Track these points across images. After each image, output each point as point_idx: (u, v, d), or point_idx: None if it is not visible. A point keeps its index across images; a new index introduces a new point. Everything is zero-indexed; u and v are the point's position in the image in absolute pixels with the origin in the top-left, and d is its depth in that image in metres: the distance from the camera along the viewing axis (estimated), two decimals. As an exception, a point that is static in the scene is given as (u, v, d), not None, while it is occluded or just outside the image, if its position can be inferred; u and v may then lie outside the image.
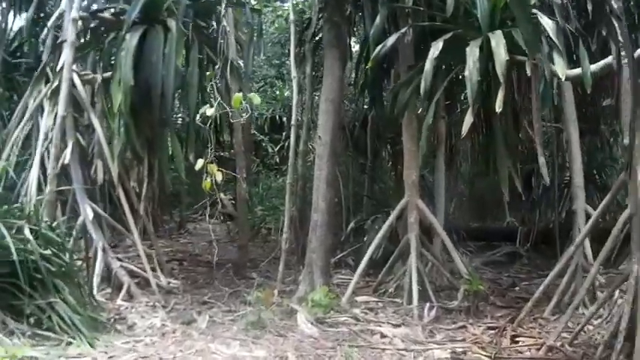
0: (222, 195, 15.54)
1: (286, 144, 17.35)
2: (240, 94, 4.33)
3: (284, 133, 17.42)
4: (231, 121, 6.96)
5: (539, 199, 9.42)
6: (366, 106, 9.90)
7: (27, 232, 4.70)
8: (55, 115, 5.96)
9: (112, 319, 5.16)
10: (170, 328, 5.09)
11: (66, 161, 6.08)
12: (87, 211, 6.06)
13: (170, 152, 6.87)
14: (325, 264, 6.13)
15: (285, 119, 17.30)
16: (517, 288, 7.11)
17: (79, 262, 6.72)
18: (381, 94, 8.49)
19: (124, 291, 5.88)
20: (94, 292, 5.69)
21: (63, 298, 4.58)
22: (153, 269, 6.52)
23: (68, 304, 4.56)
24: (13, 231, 4.67)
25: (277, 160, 17.02)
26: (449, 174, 8.62)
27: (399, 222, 6.54)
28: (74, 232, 6.17)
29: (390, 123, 9.38)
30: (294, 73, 7.23)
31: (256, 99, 4.19)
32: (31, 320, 4.49)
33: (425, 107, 5.68)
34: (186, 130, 7.05)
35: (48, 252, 4.66)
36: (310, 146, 9.92)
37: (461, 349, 4.73)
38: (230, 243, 10.86)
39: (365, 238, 7.91)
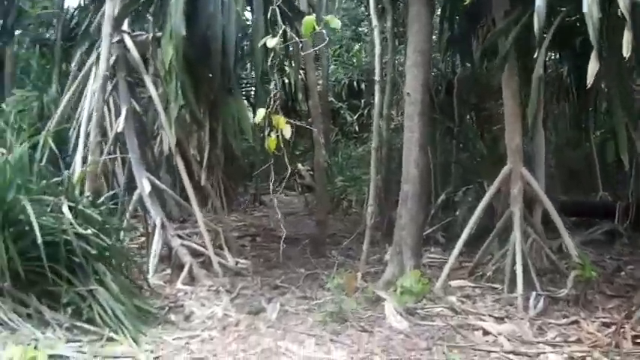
0: (300, 165, 15.05)
1: (365, 111, 16.46)
2: (313, 16, 3.31)
3: (362, 100, 16.46)
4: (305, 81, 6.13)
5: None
6: (448, 69, 8.89)
7: (65, 209, 4.00)
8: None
9: (167, 308, 4.37)
10: (234, 319, 4.25)
11: (119, 129, 5.40)
12: (144, 183, 5.36)
13: (235, 115, 5.94)
14: (416, 243, 5.08)
15: (363, 85, 16.30)
16: (623, 273, 5.89)
17: (135, 241, 6.25)
18: (471, 49, 7.36)
19: (184, 273, 5.12)
20: (150, 274, 5.01)
21: (104, 284, 3.86)
22: (219, 247, 5.75)
23: (110, 292, 3.83)
24: (49, 209, 4.00)
25: (356, 128, 16.06)
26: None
27: (496, 193, 5.41)
28: (130, 207, 5.53)
29: (479, 81, 8.40)
30: (374, 21, 6.13)
31: (335, 22, 3.15)
32: (69, 310, 3.81)
33: (537, 52, 4.47)
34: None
35: (88, 231, 3.94)
36: (393, 112, 8.91)
37: (579, 355, 3.71)
38: (308, 216, 10.04)
39: (457, 213, 6.95)
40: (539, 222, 5.55)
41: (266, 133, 3.49)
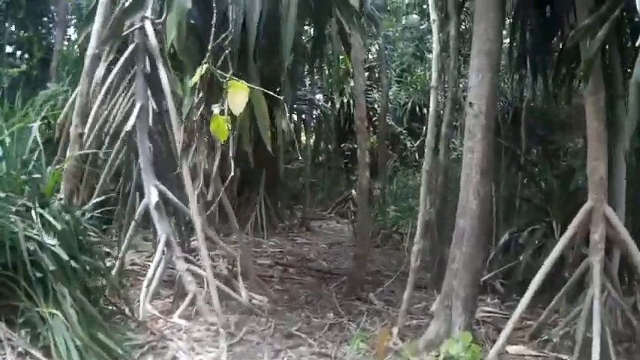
0: (354, 191, 14.05)
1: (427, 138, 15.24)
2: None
3: (425, 127, 15.31)
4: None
5: None
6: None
7: (34, 213, 3.23)
8: (109, 65, 4.53)
9: (147, 347, 3.50)
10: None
11: (128, 127, 4.64)
12: (151, 192, 4.57)
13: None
14: (470, 296, 3.95)
15: (425, 110, 15.22)
16: None
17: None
18: (544, 65, 6.13)
19: (185, 304, 4.24)
20: (145, 301, 4.16)
21: (62, 308, 3.03)
22: (234, 276, 4.84)
23: (67, 320, 3.00)
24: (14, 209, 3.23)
25: (416, 156, 14.98)
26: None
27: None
28: (136, 219, 4.74)
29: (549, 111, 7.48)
30: (433, 15, 5.15)
31: (411, 18, 2.26)
32: (23, 332, 3.00)
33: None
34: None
35: (52, 241, 3.15)
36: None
37: None
38: (355, 248, 9.07)
39: (520, 257, 5.77)
40: (616, 273, 4.35)
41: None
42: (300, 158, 15.23)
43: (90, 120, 4.56)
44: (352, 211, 14.16)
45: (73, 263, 3.17)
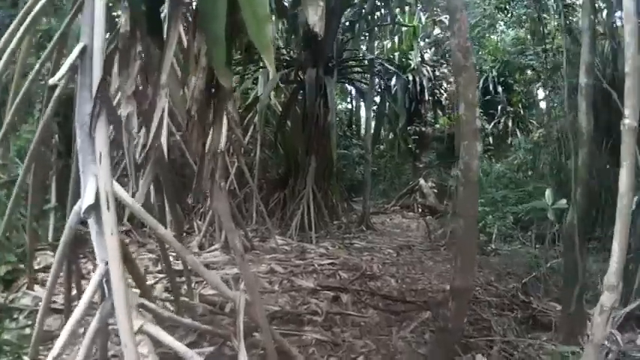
0: (422, 180, 11.69)
1: (503, 120, 12.74)
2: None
3: (499, 107, 12.79)
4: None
5: None
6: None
7: None
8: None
9: None
10: None
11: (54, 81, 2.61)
12: (88, 193, 2.54)
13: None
14: None
15: (500, 88, 12.65)
16: None
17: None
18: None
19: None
20: None
21: None
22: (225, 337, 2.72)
23: None
24: None
25: (490, 140, 12.52)
26: None
27: None
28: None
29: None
30: None
31: None
32: None
33: None
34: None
35: None
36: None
37: None
38: (431, 253, 6.83)
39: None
40: None
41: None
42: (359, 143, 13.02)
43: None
44: (420, 203, 11.89)
45: None
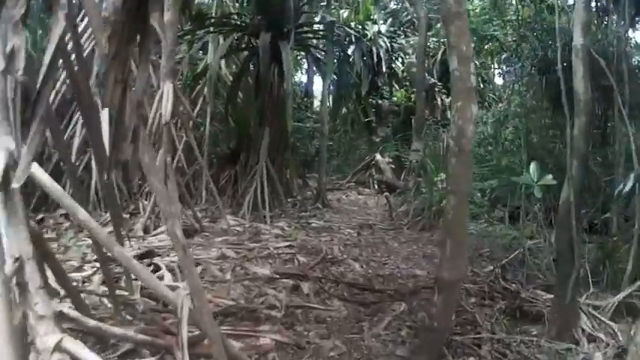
0: (378, 155, 11.23)
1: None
2: None
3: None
4: None
5: None
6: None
7: None
8: None
9: None
10: None
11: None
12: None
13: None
14: None
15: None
16: None
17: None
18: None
19: None
20: None
21: None
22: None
23: None
24: None
25: (448, 114, 12.15)
26: None
27: None
28: None
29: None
30: None
31: None
32: None
33: None
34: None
35: None
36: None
37: None
38: (394, 232, 6.39)
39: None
40: None
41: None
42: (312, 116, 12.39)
43: None
44: (376, 179, 11.44)
45: None
